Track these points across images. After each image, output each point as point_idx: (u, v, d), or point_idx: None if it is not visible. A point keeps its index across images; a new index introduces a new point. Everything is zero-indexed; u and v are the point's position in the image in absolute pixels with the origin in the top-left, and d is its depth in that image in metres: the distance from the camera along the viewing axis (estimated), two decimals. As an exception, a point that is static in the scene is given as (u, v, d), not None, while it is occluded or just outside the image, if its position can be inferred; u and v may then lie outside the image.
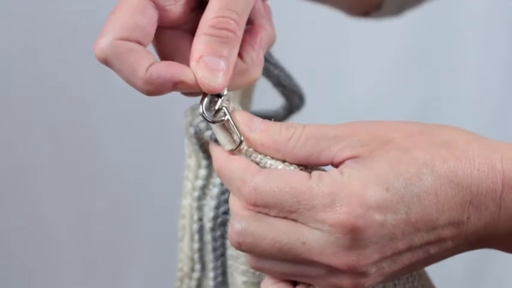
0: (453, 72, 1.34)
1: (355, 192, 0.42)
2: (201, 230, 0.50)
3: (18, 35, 1.32)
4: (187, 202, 0.51)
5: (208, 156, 0.49)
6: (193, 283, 0.52)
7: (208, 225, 0.50)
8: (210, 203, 0.50)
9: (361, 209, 0.41)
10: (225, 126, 0.45)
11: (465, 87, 1.34)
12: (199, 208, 0.50)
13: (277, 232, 0.43)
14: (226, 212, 0.49)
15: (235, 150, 0.45)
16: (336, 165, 0.44)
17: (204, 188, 0.50)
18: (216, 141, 0.46)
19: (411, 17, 1.30)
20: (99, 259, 1.41)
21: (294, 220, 0.43)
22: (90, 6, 1.33)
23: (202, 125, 0.47)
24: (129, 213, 1.41)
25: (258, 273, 0.49)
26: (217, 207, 0.49)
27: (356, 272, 0.42)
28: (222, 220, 0.49)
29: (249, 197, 0.43)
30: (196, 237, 0.51)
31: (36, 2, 1.31)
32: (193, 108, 0.48)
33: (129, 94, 1.38)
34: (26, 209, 1.39)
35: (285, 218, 0.43)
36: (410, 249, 0.43)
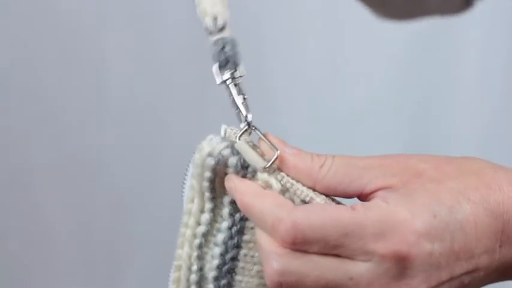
0: (453, 72, 1.34)
1: (405, 220, 0.40)
2: (199, 281, 0.47)
3: (18, 35, 1.32)
4: (185, 252, 0.47)
5: (214, 197, 0.46)
6: None
7: (211, 274, 0.46)
8: (214, 250, 0.46)
9: (413, 236, 0.40)
10: (253, 147, 0.44)
11: (465, 88, 1.34)
12: (200, 257, 0.47)
13: (322, 269, 0.41)
14: (234, 258, 0.46)
15: (268, 168, 0.43)
16: (366, 196, 0.43)
17: (207, 235, 0.46)
18: (242, 168, 0.44)
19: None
20: (99, 259, 1.41)
21: (337, 255, 0.41)
22: (90, 7, 1.33)
23: (227, 152, 0.44)
24: (129, 213, 1.41)
25: None
26: (223, 254, 0.46)
27: None
28: (229, 267, 0.46)
29: (286, 234, 0.41)
30: None
31: (36, 2, 1.31)
32: (211, 139, 0.45)
33: (129, 94, 1.38)
34: (26, 209, 1.39)
35: (327, 254, 0.41)
36: (451, 279, 0.41)
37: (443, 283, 0.41)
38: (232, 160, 0.44)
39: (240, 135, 0.45)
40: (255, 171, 0.44)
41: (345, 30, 1.33)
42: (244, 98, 0.45)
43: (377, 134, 1.36)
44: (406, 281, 0.40)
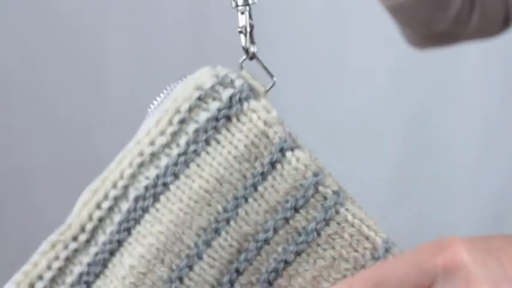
0: (453, 74, 1.34)
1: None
2: (117, 197, 0.44)
3: (18, 35, 1.32)
4: (121, 167, 0.45)
5: (183, 120, 0.44)
6: (67, 252, 0.45)
7: (134, 193, 0.44)
8: (150, 172, 0.44)
9: (461, 239, 0.42)
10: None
11: (465, 89, 1.34)
12: (133, 175, 0.44)
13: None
14: (165, 185, 0.43)
15: (267, 92, 0.45)
16: None
17: (152, 156, 0.44)
18: (246, 89, 0.44)
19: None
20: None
21: None
22: (90, 7, 1.33)
23: (234, 75, 0.45)
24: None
25: (150, 261, 0.44)
26: (158, 177, 0.43)
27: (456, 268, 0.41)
28: (156, 192, 0.43)
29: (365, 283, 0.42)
30: (106, 204, 0.44)
31: (36, 2, 1.31)
32: (213, 66, 0.46)
33: (129, 94, 1.38)
34: (26, 209, 1.39)
35: None
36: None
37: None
38: (239, 81, 0.44)
39: (241, 63, 0.45)
40: (257, 96, 0.44)
41: (345, 31, 1.33)
42: (251, 29, 0.46)
43: (376, 135, 1.36)
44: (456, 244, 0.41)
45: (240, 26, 0.46)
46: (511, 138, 1.34)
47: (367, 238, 0.44)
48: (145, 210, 0.43)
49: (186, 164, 0.43)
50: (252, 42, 0.46)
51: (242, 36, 0.46)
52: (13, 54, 1.33)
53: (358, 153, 1.37)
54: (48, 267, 0.45)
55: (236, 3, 0.46)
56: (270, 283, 0.44)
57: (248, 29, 0.46)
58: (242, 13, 0.46)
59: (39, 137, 1.36)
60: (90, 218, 0.44)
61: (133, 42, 1.35)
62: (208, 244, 0.43)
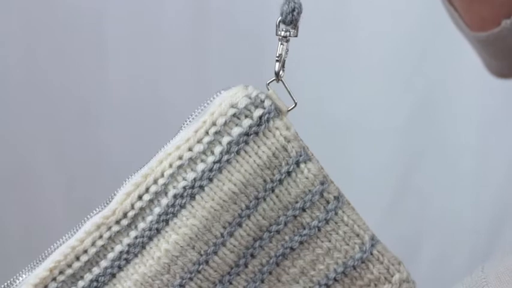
0: (452, 73, 1.34)
1: None
2: (157, 193, 0.52)
3: (18, 35, 1.32)
4: (162, 166, 0.52)
5: (218, 131, 0.51)
6: (110, 233, 0.52)
7: (173, 191, 0.51)
8: (188, 175, 0.51)
9: None
10: None
11: (465, 88, 1.34)
12: (172, 176, 0.52)
13: None
14: (201, 187, 0.51)
15: (289, 111, 0.53)
16: None
17: (190, 161, 0.52)
18: (274, 110, 0.52)
19: (413, 14, 1.30)
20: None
21: None
22: (91, 5, 1.33)
23: (263, 96, 0.52)
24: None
25: (183, 247, 0.51)
26: (195, 180, 0.51)
27: None
28: (192, 192, 0.51)
29: None
30: (147, 197, 0.52)
31: (36, 1, 1.31)
32: (244, 87, 0.52)
33: (131, 93, 1.38)
34: (26, 209, 1.39)
35: None
36: None
37: None
38: (267, 102, 0.52)
39: (268, 84, 0.53)
40: (280, 113, 0.52)
41: (344, 30, 1.33)
42: (285, 57, 0.54)
43: (375, 135, 1.36)
44: None
45: (277, 55, 0.54)
46: (511, 138, 1.34)
47: (357, 235, 0.53)
48: (182, 206, 0.51)
49: (220, 170, 0.51)
50: (283, 68, 0.53)
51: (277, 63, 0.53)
52: (13, 53, 1.33)
53: (357, 153, 1.37)
54: (93, 244, 0.52)
55: (279, 33, 0.54)
56: (277, 264, 0.53)
57: (283, 58, 0.53)
58: (282, 44, 0.54)
59: (40, 136, 1.36)
60: (132, 207, 0.52)
61: (135, 40, 1.35)
62: (231, 234, 0.52)
